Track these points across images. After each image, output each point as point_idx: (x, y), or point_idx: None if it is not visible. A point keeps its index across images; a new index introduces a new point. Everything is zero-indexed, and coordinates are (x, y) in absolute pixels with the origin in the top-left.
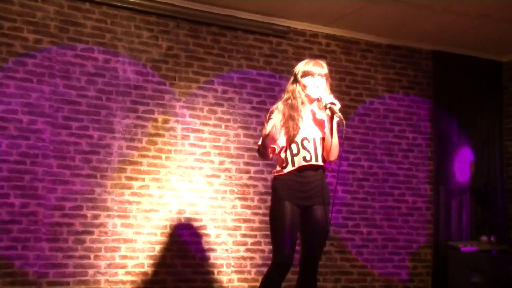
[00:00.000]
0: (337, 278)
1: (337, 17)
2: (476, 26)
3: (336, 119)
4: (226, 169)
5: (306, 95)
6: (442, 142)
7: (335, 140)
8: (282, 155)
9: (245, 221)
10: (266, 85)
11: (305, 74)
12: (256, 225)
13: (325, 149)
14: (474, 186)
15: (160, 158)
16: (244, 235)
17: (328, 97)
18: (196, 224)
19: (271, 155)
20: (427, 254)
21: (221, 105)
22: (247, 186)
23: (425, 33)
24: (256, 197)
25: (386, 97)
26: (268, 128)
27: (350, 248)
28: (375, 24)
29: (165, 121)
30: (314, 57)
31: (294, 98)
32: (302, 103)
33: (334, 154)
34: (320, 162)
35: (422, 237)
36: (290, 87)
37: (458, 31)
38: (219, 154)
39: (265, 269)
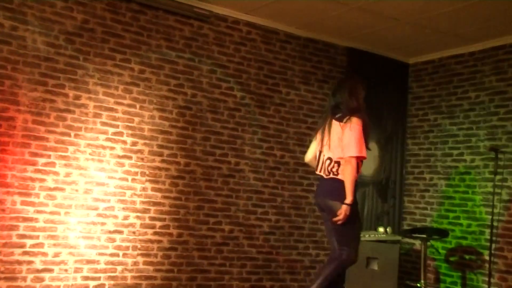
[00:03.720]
0: (243, 264)
1: (259, 5)
2: (388, 27)
3: None
4: (139, 151)
5: None
6: None
7: None
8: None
9: (155, 204)
10: (185, 68)
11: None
12: (166, 208)
13: None
14: (377, 180)
15: (68, 135)
16: (153, 218)
17: None
18: (103, 205)
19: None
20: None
21: (137, 85)
22: (159, 169)
23: (341, 30)
24: (168, 181)
25: (301, 89)
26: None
27: (258, 234)
28: (295, 16)
29: (77, 97)
30: (234, 44)
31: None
32: None
33: None
34: None
35: None
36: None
37: (371, 30)
38: (132, 135)
39: (172, 253)
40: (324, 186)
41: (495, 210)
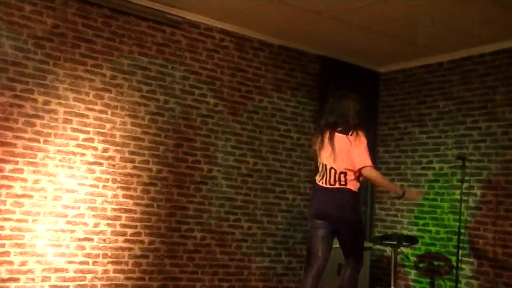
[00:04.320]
0: (215, 271)
1: (232, 13)
2: (359, 37)
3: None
4: (110, 157)
5: None
6: None
7: None
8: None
9: (126, 211)
10: (157, 74)
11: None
12: (138, 215)
13: None
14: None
15: (37, 141)
16: (124, 225)
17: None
18: (73, 212)
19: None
20: (302, 250)
21: (109, 91)
22: (131, 175)
23: (314, 38)
24: (140, 187)
25: (274, 96)
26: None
27: (230, 241)
28: (269, 24)
29: (46, 103)
30: (207, 50)
31: None
32: None
33: None
34: None
35: (298, 233)
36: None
37: (343, 39)
38: (103, 141)
39: (143, 260)
40: (333, 197)
41: (462, 217)
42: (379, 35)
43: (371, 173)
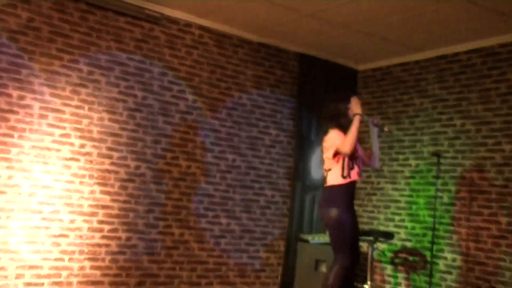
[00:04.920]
0: (193, 267)
1: (211, 9)
2: (338, 35)
3: (382, 132)
4: (87, 153)
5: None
6: (302, 141)
7: (379, 150)
8: (345, 165)
9: (104, 207)
10: (135, 70)
11: (347, 103)
12: (115, 211)
13: (376, 158)
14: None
15: (11, 136)
16: (101, 222)
17: (375, 119)
18: (48, 208)
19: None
20: (280, 246)
21: (86, 86)
22: (108, 171)
23: (293, 36)
24: (117, 184)
25: (254, 93)
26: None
27: (209, 238)
28: (248, 21)
29: (21, 98)
30: (186, 47)
31: (346, 125)
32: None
33: (378, 161)
34: (361, 177)
35: (277, 230)
36: (339, 116)
37: (322, 37)
38: (80, 137)
39: (121, 257)
40: (322, 195)
41: (437, 213)
42: (358, 33)
43: (344, 145)
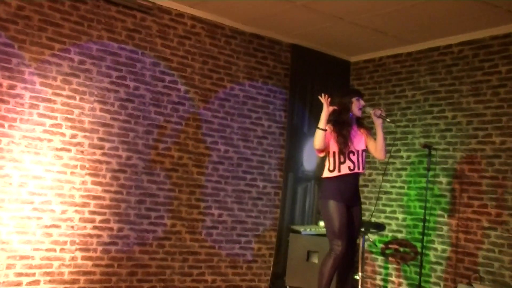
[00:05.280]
0: (185, 258)
1: None
2: (331, 26)
3: (385, 122)
4: (78, 143)
5: (354, 116)
6: (294, 132)
7: (384, 141)
8: (331, 160)
9: (95, 197)
10: (127, 60)
11: (353, 97)
12: (107, 202)
13: (379, 150)
14: (318, 175)
15: (2, 126)
16: (93, 212)
17: (377, 110)
18: (40, 198)
19: (321, 155)
20: (272, 237)
21: (77, 76)
22: (100, 162)
23: (286, 26)
24: (109, 174)
25: (246, 84)
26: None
27: (201, 229)
28: (241, 11)
29: (11, 87)
30: (178, 37)
31: (347, 119)
32: (352, 122)
33: (385, 152)
34: (360, 170)
35: (268, 221)
36: (342, 110)
37: (315, 28)
38: (71, 127)
39: (112, 247)
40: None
41: (428, 205)
42: (350, 25)
43: (314, 142)
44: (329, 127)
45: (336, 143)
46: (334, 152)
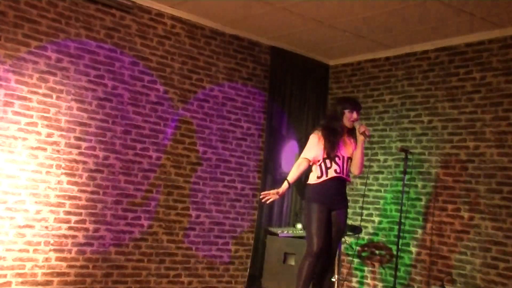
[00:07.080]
0: (161, 259)
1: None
2: (311, 29)
3: (366, 141)
4: (54, 142)
5: (345, 125)
6: (272, 134)
7: (362, 158)
8: (318, 168)
9: (71, 198)
10: (105, 58)
11: (346, 108)
12: (83, 202)
13: (355, 165)
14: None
15: None
16: (68, 213)
17: (362, 126)
18: (13, 198)
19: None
20: (249, 239)
21: (54, 74)
22: (76, 161)
23: (265, 28)
24: (85, 174)
25: (225, 86)
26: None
27: (178, 230)
28: (220, 12)
29: None
30: (158, 37)
31: (337, 128)
32: (342, 131)
33: (361, 168)
34: (345, 176)
35: (246, 222)
36: (333, 117)
37: (295, 30)
38: (47, 126)
39: (88, 248)
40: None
41: (403, 208)
42: (330, 28)
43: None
44: (317, 133)
45: (323, 149)
46: (321, 160)
